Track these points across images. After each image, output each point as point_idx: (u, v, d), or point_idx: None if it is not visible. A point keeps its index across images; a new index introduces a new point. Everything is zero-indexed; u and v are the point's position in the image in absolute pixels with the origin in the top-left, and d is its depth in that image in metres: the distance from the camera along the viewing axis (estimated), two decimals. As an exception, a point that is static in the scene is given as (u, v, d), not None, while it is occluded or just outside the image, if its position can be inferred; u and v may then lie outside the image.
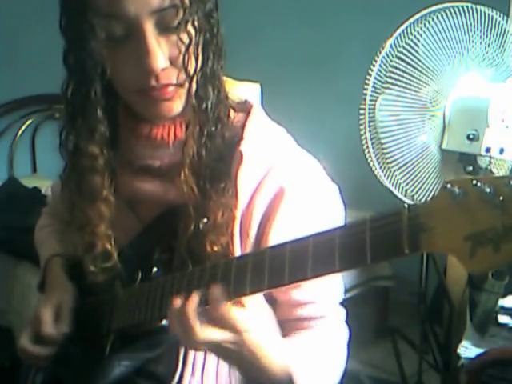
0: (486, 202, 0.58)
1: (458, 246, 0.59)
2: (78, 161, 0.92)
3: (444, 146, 1.73)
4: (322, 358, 0.94)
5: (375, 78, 1.70)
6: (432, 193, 1.71)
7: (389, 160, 1.72)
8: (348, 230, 0.69)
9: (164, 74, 0.84)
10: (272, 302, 0.96)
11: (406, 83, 1.68)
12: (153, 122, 0.93)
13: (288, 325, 0.96)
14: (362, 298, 2.45)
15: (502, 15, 1.69)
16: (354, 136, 1.80)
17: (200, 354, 0.92)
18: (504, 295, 1.60)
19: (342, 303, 1.00)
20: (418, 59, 1.67)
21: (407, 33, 1.66)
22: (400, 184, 1.73)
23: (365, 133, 1.73)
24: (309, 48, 2.95)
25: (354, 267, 0.69)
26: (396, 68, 1.68)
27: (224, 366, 0.93)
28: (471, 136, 1.65)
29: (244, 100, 0.99)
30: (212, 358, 0.92)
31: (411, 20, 1.66)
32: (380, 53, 1.68)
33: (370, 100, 1.71)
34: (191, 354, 0.91)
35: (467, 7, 1.65)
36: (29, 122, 3.28)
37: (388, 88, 1.69)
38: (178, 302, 0.78)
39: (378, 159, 1.74)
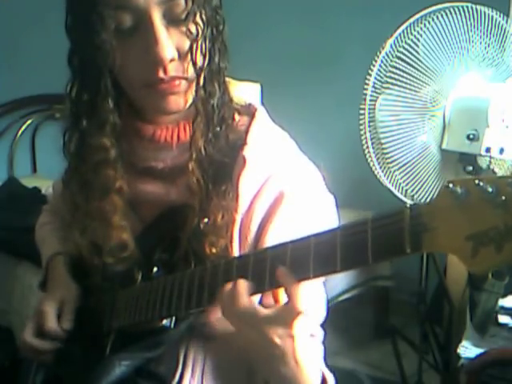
0: (488, 202, 0.58)
1: (460, 246, 0.59)
2: (89, 157, 0.92)
3: (444, 146, 1.73)
4: None
5: (375, 78, 1.70)
6: (432, 193, 1.71)
7: (389, 160, 1.72)
8: (349, 229, 0.69)
9: (172, 67, 0.84)
10: None
11: (405, 83, 1.68)
12: (156, 124, 0.94)
13: None
14: (362, 297, 2.45)
15: (502, 15, 1.69)
16: (354, 136, 1.80)
17: (200, 355, 0.92)
18: (504, 295, 1.60)
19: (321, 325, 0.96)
20: (417, 59, 1.67)
21: (407, 33, 1.66)
22: (400, 184, 1.73)
23: (365, 133, 1.73)
24: (309, 48, 2.95)
25: (355, 267, 0.69)
26: (396, 68, 1.68)
27: (224, 366, 0.93)
28: (471, 136, 1.65)
29: (248, 103, 0.99)
30: (212, 358, 0.92)
31: (411, 20, 1.66)
32: (380, 53, 1.68)
33: (370, 100, 1.71)
34: (191, 354, 0.91)
35: (467, 7, 1.64)
36: (29, 122, 3.29)
37: (388, 88, 1.69)
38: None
39: (378, 159, 1.73)
